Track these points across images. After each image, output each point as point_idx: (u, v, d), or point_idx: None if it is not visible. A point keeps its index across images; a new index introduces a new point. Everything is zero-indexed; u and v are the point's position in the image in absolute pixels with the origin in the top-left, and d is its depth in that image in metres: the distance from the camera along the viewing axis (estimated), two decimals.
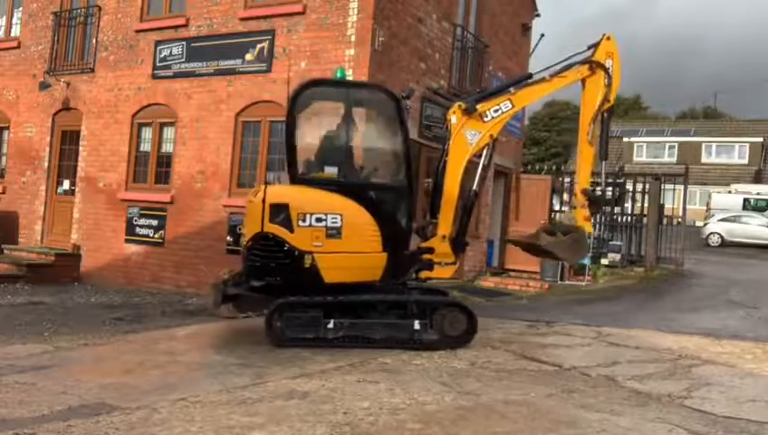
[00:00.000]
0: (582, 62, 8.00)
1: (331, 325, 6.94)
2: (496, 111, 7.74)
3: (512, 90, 8.01)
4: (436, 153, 8.98)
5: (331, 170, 7.40)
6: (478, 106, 7.68)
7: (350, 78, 10.70)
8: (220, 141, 12.45)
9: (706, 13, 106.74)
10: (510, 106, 7.80)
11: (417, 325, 7.07)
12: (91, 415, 4.53)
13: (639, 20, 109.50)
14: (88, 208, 14.21)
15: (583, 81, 7.99)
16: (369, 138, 7.85)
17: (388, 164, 7.66)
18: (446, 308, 7.29)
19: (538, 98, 8.38)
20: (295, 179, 7.41)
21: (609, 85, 7.93)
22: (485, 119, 7.68)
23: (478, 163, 7.92)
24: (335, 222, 6.95)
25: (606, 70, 7.94)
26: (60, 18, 14.92)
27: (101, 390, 5.26)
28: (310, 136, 7.63)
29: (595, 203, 8.07)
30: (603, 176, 8.52)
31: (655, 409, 5.13)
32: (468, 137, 7.63)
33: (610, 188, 17.27)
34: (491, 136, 7.76)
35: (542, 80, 8.05)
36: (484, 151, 7.87)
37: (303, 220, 6.96)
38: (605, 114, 8.04)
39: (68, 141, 14.87)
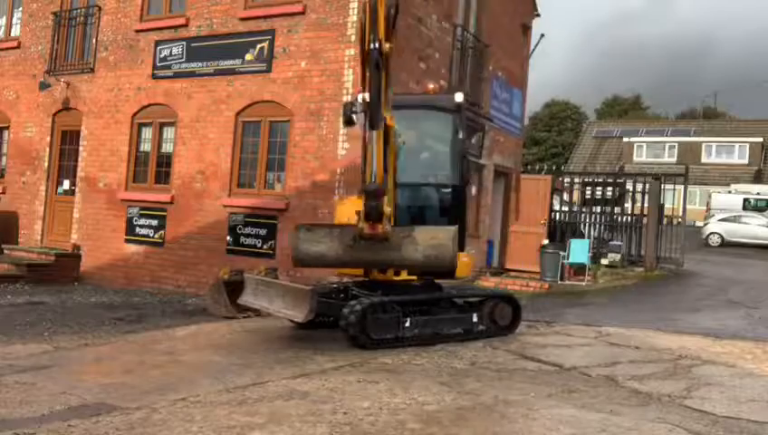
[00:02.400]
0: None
1: (408, 324, 7.11)
2: None
3: None
4: None
5: None
6: None
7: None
8: (220, 141, 12.45)
9: (706, 13, 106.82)
10: None
11: (475, 318, 7.73)
12: (91, 415, 4.53)
13: (641, 21, 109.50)
14: (88, 208, 14.21)
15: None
16: None
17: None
18: (494, 301, 8.05)
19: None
20: None
21: (364, 25, 6.25)
22: None
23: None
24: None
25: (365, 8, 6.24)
26: (60, 18, 14.92)
27: (101, 390, 5.26)
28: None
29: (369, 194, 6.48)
30: (369, 157, 6.39)
31: (655, 409, 5.13)
32: None
33: (610, 189, 17.25)
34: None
35: None
36: None
37: None
38: (374, 64, 6.27)
39: (68, 141, 14.88)
